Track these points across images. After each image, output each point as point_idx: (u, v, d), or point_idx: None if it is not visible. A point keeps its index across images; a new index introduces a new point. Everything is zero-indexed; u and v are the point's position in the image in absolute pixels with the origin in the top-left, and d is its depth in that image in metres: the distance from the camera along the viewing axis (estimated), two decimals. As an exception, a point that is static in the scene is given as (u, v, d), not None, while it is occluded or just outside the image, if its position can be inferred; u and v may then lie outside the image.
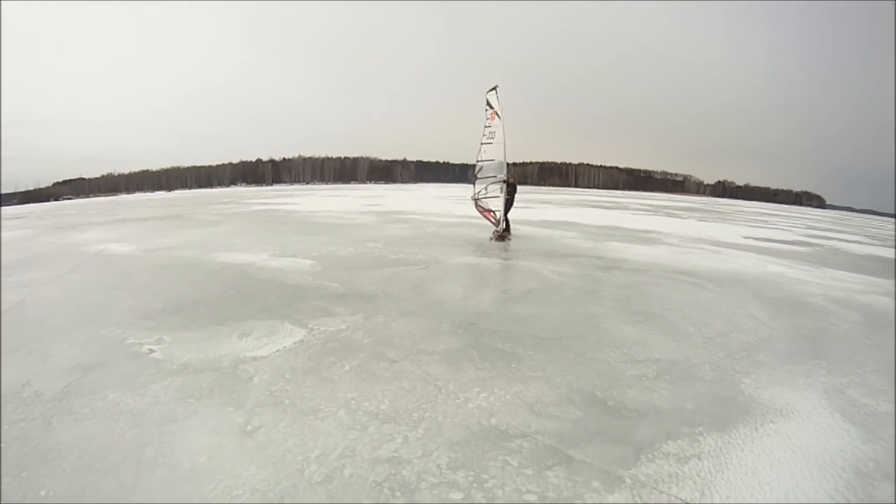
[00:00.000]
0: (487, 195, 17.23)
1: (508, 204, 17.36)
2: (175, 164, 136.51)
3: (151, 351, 6.34)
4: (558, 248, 15.88)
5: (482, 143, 16.90)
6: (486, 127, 16.75)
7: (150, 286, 9.73)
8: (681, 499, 3.91)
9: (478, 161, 17.22)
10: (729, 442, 4.74)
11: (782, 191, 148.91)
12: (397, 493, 3.76)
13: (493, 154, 16.73)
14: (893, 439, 4.96)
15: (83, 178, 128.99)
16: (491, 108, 16.53)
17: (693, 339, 7.59)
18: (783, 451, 4.64)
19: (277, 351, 6.42)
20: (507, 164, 16.83)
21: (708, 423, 5.05)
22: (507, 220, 17.42)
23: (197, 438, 4.38)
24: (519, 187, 19.40)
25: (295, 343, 6.70)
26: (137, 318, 7.63)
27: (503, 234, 17.06)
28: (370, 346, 6.67)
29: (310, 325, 7.38)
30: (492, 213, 17.27)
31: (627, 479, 4.11)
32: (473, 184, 17.75)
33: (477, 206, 17.72)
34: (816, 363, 6.88)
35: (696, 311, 9.09)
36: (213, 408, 4.92)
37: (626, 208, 44.18)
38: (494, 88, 16.44)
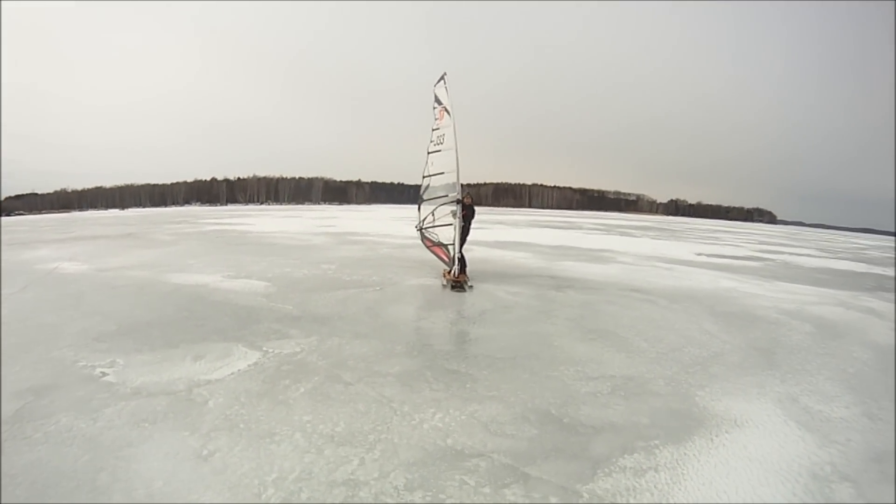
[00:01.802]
0: (436, 222, 12.96)
1: (464, 233, 12.72)
2: (129, 182, 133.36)
3: (104, 374, 6.19)
4: (511, 269, 15.74)
5: (429, 153, 13.23)
6: (433, 130, 13.16)
7: (102, 306, 9.54)
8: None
9: (424, 176, 13.46)
10: (685, 453, 4.72)
11: (734, 208, 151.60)
12: (355, 516, 3.68)
13: (443, 165, 12.65)
14: (848, 441, 4.99)
15: (36, 194, 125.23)
16: (439, 104, 13.08)
17: (647, 354, 7.58)
18: (740, 459, 4.64)
19: (232, 374, 6.30)
20: (461, 185, 12.33)
21: (663, 436, 5.02)
22: (462, 260, 12.52)
23: (152, 463, 4.27)
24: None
25: (249, 366, 6.59)
26: (90, 339, 7.48)
27: (459, 279, 12.25)
28: (325, 368, 6.58)
29: (264, 348, 7.28)
30: (443, 249, 12.79)
31: (585, 494, 4.06)
32: (418, 208, 13.66)
33: (424, 238, 13.59)
34: (770, 374, 6.94)
35: (650, 328, 9.11)
36: (167, 432, 4.80)
37: (580, 227, 44.78)
38: (443, 77, 13.02)
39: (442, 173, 12.76)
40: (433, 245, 13.26)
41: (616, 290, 12.70)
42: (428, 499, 3.90)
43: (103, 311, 9.14)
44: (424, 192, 13.50)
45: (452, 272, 12.29)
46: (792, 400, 6.05)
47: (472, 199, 13.19)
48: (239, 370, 6.43)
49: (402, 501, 3.88)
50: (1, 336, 6.97)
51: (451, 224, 12.34)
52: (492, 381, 6.33)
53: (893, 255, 32.18)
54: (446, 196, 12.54)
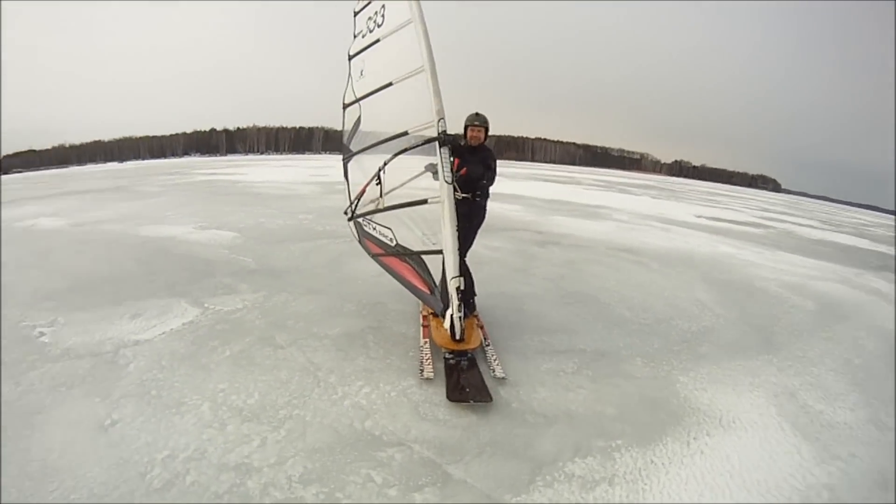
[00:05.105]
0: (386, 200, 6.01)
1: (473, 220, 6.15)
2: (128, 135, 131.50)
3: (42, 334, 5.88)
4: (497, 222, 13.37)
5: (351, 57, 6.74)
6: (355, 13, 6.65)
7: (64, 263, 9.14)
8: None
9: (345, 105, 6.98)
10: (651, 461, 3.91)
11: (738, 173, 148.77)
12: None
13: (388, 67, 5.74)
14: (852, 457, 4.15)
15: (34, 151, 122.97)
16: None
17: (627, 325, 6.81)
18: (719, 474, 3.82)
19: (163, 333, 5.91)
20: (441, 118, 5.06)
21: (629, 435, 4.22)
22: (465, 283, 5.35)
23: (55, 433, 4.02)
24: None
25: (184, 325, 6.18)
26: (40, 298, 7.13)
27: (464, 343, 5.30)
28: (261, 328, 6.12)
29: (206, 304, 6.86)
30: (412, 264, 5.79)
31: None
32: (344, 171, 7.09)
33: (362, 236, 6.82)
34: (766, 359, 6.10)
35: (636, 294, 8.30)
36: (80, 398, 4.52)
37: (579, 183, 43.63)
38: None
39: (389, 84, 5.75)
40: (386, 254, 6.30)
41: (605, 249, 11.97)
42: (321, 496, 3.42)
43: (63, 268, 8.75)
44: (353, 135, 6.93)
45: (445, 324, 5.37)
46: (789, 395, 5.20)
47: (482, 130, 6.10)
48: (172, 329, 6.04)
49: (292, 496, 3.43)
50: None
51: (427, 200, 5.29)
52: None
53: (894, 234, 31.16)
54: (406, 135, 5.48)
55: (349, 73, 6.85)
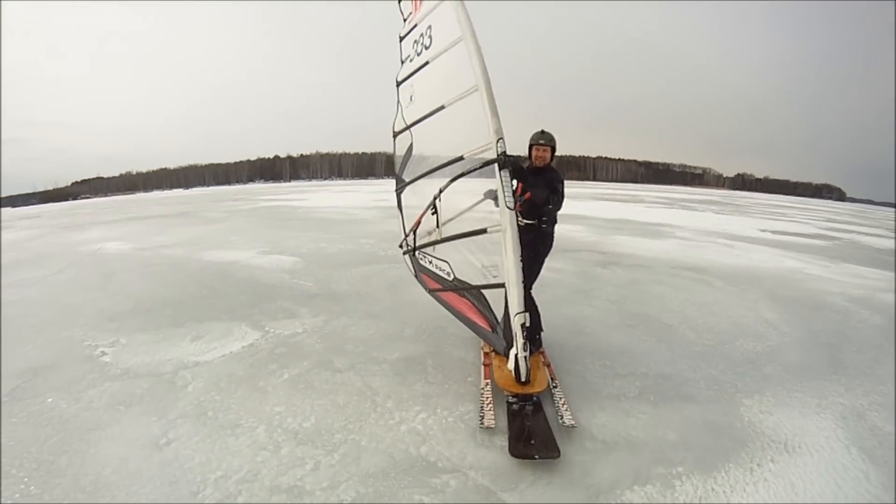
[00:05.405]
0: (443, 232, 5.57)
1: (539, 249, 5.77)
2: (193, 163, 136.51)
3: (103, 354, 6.15)
4: (558, 243, 14.30)
5: (399, 83, 6.42)
6: (401, 39, 6.37)
7: (128, 286, 9.53)
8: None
9: (396, 133, 6.60)
10: (713, 489, 3.81)
11: (802, 183, 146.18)
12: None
13: (437, 90, 5.46)
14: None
15: (101, 178, 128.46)
16: None
17: (691, 347, 6.69)
18: (782, 501, 3.69)
19: (222, 356, 6.06)
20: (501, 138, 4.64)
21: (690, 462, 4.11)
22: (532, 320, 5.27)
23: (111, 449, 4.16)
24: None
25: (243, 348, 6.32)
26: (104, 319, 7.44)
27: (528, 387, 4.94)
28: (319, 352, 6.19)
29: (266, 328, 6.99)
30: (472, 300, 5.46)
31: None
32: (398, 201, 6.88)
33: (417, 270, 6.55)
34: (834, 378, 5.90)
35: (700, 314, 8.15)
36: (137, 416, 4.68)
37: (642, 201, 43.08)
38: None
39: (441, 108, 5.38)
40: (444, 289, 5.94)
41: (668, 269, 11.78)
42: None
43: (127, 291, 9.13)
44: (405, 164, 6.53)
45: (509, 364, 4.98)
46: (857, 416, 5.00)
47: (548, 150, 5.63)
48: (231, 352, 6.18)
49: None
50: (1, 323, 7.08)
51: (486, 229, 4.90)
52: (499, 375, 5.46)
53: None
54: (461, 160, 5.08)
55: (398, 100, 6.47)
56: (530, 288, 5.58)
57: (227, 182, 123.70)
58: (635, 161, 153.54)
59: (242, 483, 3.74)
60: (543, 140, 5.57)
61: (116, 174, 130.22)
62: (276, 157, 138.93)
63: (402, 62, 6.35)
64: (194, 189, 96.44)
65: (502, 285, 4.78)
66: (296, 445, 4.22)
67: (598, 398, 5.14)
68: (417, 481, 3.79)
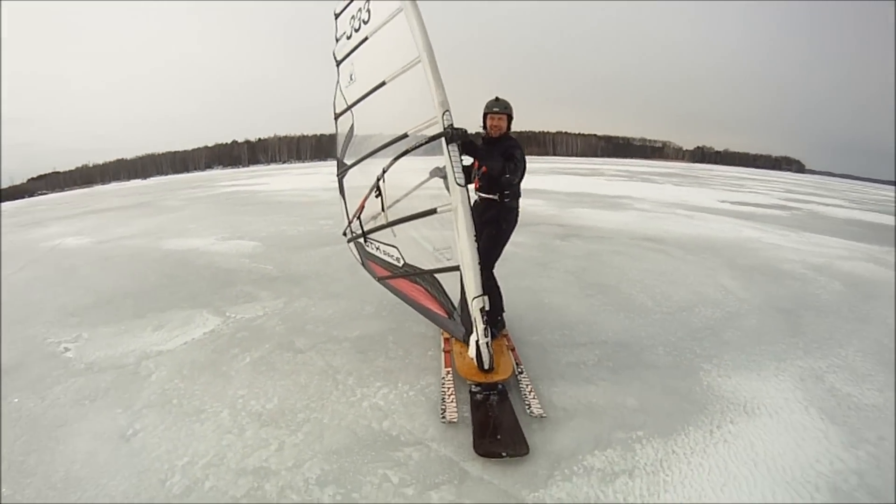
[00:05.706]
0: (388, 215, 5.08)
1: (500, 227, 5.38)
2: (150, 151, 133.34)
3: (66, 350, 6.05)
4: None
5: (338, 62, 5.93)
6: (335, 14, 5.89)
7: (88, 280, 9.38)
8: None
9: (337, 115, 6.12)
10: (673, 451, 3.82)
11: (762, 156, 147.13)
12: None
13: (377, 67, 5.01)
14: (881, 440, 4.04)
15: (58, 172, 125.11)
16: None
17: (650, 315, 6.72)
18: (743, 462, 3.71)
19: (184, 343, 6.05)
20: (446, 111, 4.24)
21: (650, 426, 4.12)
22: (493, 302, 5.00)
23: (78, 444, 4.12)
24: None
25: (205, 334, 6.31)
26: (66, 314, 7.34)
27: (492, 375, 4.64)
28: (280, 334, 6.22)
29: (227, 313, 7.00)
30: (424, 286, 5.15)
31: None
32: (339, 186, 6.46)
33: (364, 257, 6.22)
34: (792, 342, 5.95)
35: (658, 283, 8.20)
36: (102, 410, 4.63)
37: (602, 174, 43.21)
38: None
39: (382, 84, 5.00)
40: (394, 276, 5.60)
41: (627, 239, 11.85)
42: (338, 497, 3.44)
43: (88, 285, 8.95)
44: (346, 146, 6.12)
45: (470, 352, 4.78)
46: (816, 378, 5.05)
47: (504, 118, 5.22)
48: (193, 339, 6.17)
49: (309, 498, 3.44)
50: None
51: (436, 209, 4.52)
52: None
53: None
54: (406, 138, 4.73)
55: (337, 81, 5.98)
56: (492, 267, 5.39)
57: (186, 170, 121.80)
58: (595, 135, 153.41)
59: (209, 467, 3.74)
60: (498, 107, 5.18)
61: (73, 167, 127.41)
62: (234, 142, 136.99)
63: (337, 40, 5.92)
64: (152, 178, 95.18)
65: (457, 268, 4.51)
66: (260, 427, 4.23)
67: (558, 367, 5.14)
68: (381, 455, 3.81)
